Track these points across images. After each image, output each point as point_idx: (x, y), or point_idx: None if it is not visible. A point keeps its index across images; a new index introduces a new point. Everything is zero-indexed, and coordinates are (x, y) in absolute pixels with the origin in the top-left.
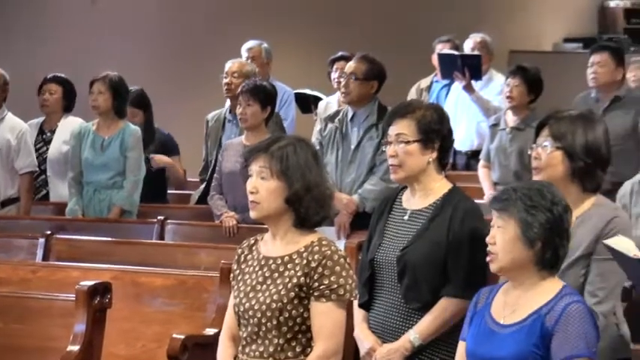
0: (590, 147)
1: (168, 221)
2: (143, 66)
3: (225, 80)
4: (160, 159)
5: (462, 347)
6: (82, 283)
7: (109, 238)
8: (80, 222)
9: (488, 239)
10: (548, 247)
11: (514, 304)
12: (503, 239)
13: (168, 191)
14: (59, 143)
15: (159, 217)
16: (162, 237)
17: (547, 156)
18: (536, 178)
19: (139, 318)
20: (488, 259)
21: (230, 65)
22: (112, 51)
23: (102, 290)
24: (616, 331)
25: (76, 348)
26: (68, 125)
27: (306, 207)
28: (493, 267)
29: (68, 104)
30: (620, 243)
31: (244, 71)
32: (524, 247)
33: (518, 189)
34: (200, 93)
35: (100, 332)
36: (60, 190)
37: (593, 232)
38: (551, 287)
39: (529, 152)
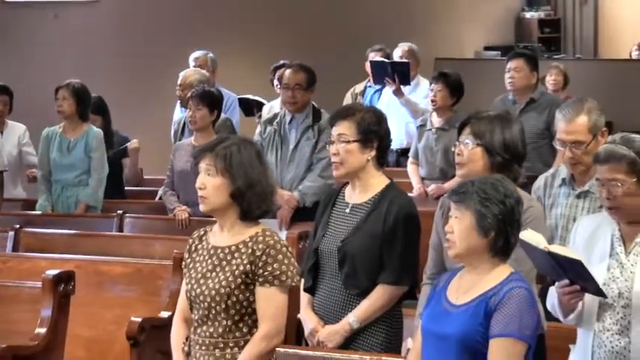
0: (507, 144)
1: (127, 215)
2: (102, 74)
3: (177, 91)
4: (133, 143)
5: (419, 324)
6: (48, 272)
7: (74, 231)
8: (48, 217)
9: (446, 228)
10: (501, 236)
11: (467, 287)
12: (459, 228)
13: (127, 188)
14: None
15: (118, 212)
16: (121, 229)
17: (468, 152)
18: (459, 172)
19: (100, 303)
20: (446, 245)
21: (180, 78)
22: (74, 61)
23: (66, 278)
24: None
25: (43, 330)
26: (11, 130)
27: (249, 201)
28: (451, 253)
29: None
30: (531, 236)
31: (188, 82)
32: (479, 236)
33: (475, 183)
34: (154, 98)
35: (64, 316)
36: (11, 191)
37: None
38: (501, 272)
39: (453, 149)
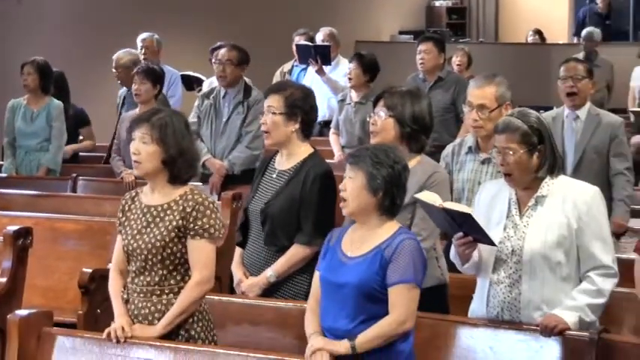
0: (416, 116)
1: (80, 178)
2: (63, 53)
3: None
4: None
5: (316, 276)
6: (9, 227)
7: (33, 192)
8: (11, 179)
9: (340, 186)
10: (388, 196)
11: (360, 241)
12: (352, 187)
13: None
14: None
15: (72, 175)
16: (75, 190)
17: (382, 122)
18: (373, 140)
19: (55, 256)
20: (341, 204)
21: (115, 60)
22: (37, 40)
23: (25, 233)
24: (435, 263)
25: (3, 280)
26: None
27: (179, 167)
28: (344, 211)
29: None
30: (427, 196)
31: (121, 63)
32: (369, 195)
33: (369, 148)
34: (104, 75)
35: (23, 267)
36: None
37: (417, 184)
38: (389, 228)
39: (368, 120)
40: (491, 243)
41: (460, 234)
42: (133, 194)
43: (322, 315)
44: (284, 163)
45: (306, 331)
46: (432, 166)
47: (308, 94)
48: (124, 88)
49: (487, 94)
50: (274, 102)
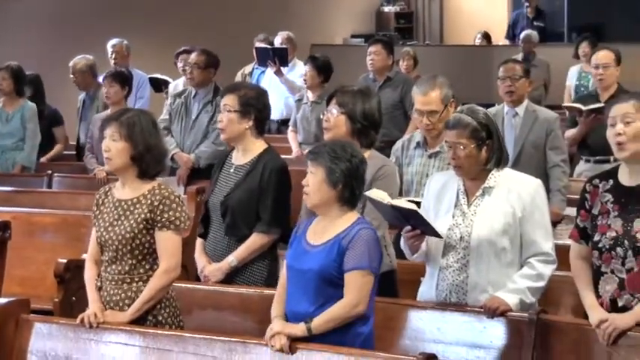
0: (366, 113)
1: (55, 174)
2: (39, 55)
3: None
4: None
5: (284, 263)
6: None
7: (11, 188)
8: None
9: (303, 182)
10: (347, 188)
11: (322, 230)
12: (313, 182)
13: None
14: None
15: (48, 172)
16: (50, 186)
17: (334, 119)
18: (326, 136)
19: (33, 247)
20: (304, 197)
21: (71, 66)
22: (12, 45)
23: (3, 227)
24: (384, 251)
25: None
26: None
27: (147, 163)
28: (307, 204)
29: None
30: (376, 194)
31: (77, 68)
32: (329, 188)
33: (328, 145)
34: None
35: (2, 259)
36: None
37: (368, 177)
38: (350, 218)
39: (321, 117)
40: (437, 235)
41: (408, 227)
42: (107, 189)
43: (288, 299)
44: (240, 158)
45: (271, 314)
46: (380, 159)
47: (261, 94)
48: (84, 92)
49: (433, 99)
50: (229, 101)
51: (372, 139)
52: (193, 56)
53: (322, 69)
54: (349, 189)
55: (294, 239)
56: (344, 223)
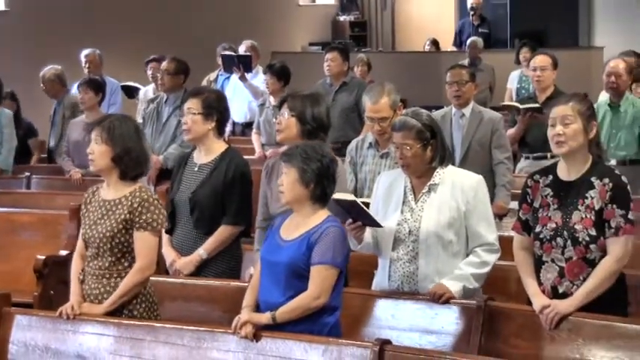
0: (315, 116)
1: (33, 176)
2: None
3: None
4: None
5: (259, 255)
6: None
7: None
8: None
9: (278, 181)
10: (319, 187)
11: (295, 227)
12: (287, 181)
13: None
14: None
15: (26, 174)
16: (29, 187)
17: (285, 122)
18: (278, 137)
19: (13, 245)
20: (280, 195)
21: (41, 76)
22: None
23: None
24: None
25: None
26: None
27: (126, 165)
28: (282, 201)
29: None
30: None
31: (46, 78)
32: (302, 187)
33: (299, 146)
34: None
35: None
36: None
37: None
38: (320, 216)
39: (274, 120)
40: (377, 225)
41: (350, 220)
42: (95, 189)
43: (261, 290)
44: (203, 157)
45: (242, 304)
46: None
47: (221, 98)
48: (53, 102)
49: (383, 107)
50: (193, 104)
51: (321, 141)
52: (164, 63)
53: (281, 74)
54: (321, 188)
55: (270, 234)
56: (315, 220)
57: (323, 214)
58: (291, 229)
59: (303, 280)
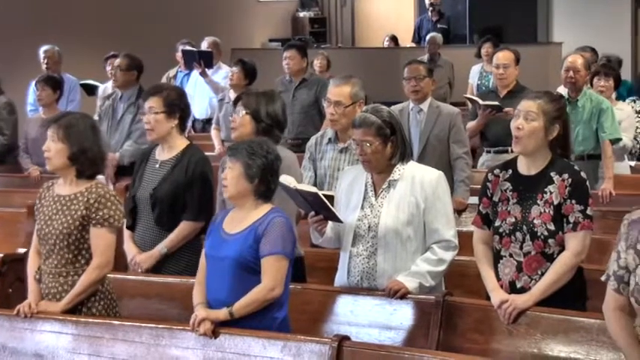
0: (270, 114)
1: None
2: None
3: None
4: None
5: (203, 253)
6: None
7: None
8: None
9: (222, 175)
10: (263, 183)
11: (238, 220)
12: (232, 176)
13: None
14: None
15: None
16: None
17: (240, 119)
18: (233, 135)
19: None
20: (223, 189)
21: None
22: None
23: None
24: None
25: None
26: None
27: (82, 163)
28: (225, 195)
29: None
30: (284, 179)
31: None
32: (246, 182)
33: (246, 142)
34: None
35: None
36: None
37: None
38: (264, 208)
39: (230, 118)
40: (338, 220)
41: (312, 213)
42: (49, 184)
43: (209, 288)
44: (165, 154)
45: (193, 302)
46: (282, 151)
47: (182, 94)
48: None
49: (343, 92)
50: (154, 103)
51: (276, 138)
52: (117, 60)
53: (249, 73)
54: (265, 183)
55: (212, 229)
56: (259, 213)
57: (266, 207)
58: (235, 223)
59: (251, 273)
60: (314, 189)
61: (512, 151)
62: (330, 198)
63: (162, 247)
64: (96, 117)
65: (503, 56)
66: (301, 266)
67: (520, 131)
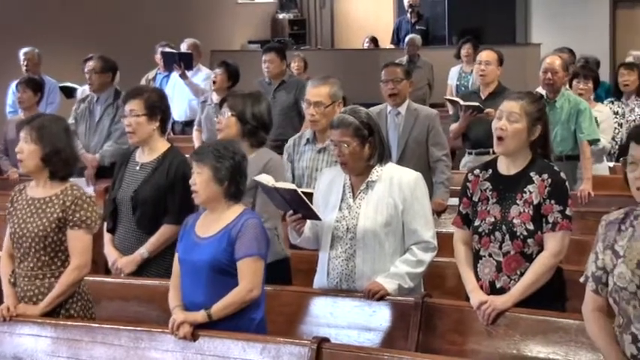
0: (255, 115)
1: None
2: None
3: None
4: None
5: (177, 256)
6: None
7: None
8: None
9: (190, 182)
10: (233, 184)
11: (211, 223)
12: (200, 181)
13: None
14: None
15: None
16: None
17: (225, 121)
18: (219, 136)
19: None
20: (193, 195)
21: None
22: None
23: None
24: (277, 240)
25: None
26: None
27: (55, 164)
28: (197, 201)
29: None
30: (262, 178)
31: None
32: (216, 185)
33: (211, 145)
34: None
35: None
36: None
37: (256, 171)
38: (236, 210)
39: (215, 119)
40: (317, 218)
41: (291, 212)
42: (21, 187)
43: (184, 292)
44: (146, 156)
45: (169, 306)
46: (268, 153)
47: (163, 96)
48: None
49: (322, 92)
50: (135, 105)
51: (261, 140)
52: (90, 63)
53: (232, 75)
54: (235, 184)
55: (184, 233)
56: (232, 215)
57: (238, 209)
58: (207, 226)
59: (226, 276)
60: (293, 186)
61: (493, 153)
62: (309, 195)
63: (143, 252)
64: (71, 120)
65: (487, 54)
66: (287, 267)
67: (503, 132)
